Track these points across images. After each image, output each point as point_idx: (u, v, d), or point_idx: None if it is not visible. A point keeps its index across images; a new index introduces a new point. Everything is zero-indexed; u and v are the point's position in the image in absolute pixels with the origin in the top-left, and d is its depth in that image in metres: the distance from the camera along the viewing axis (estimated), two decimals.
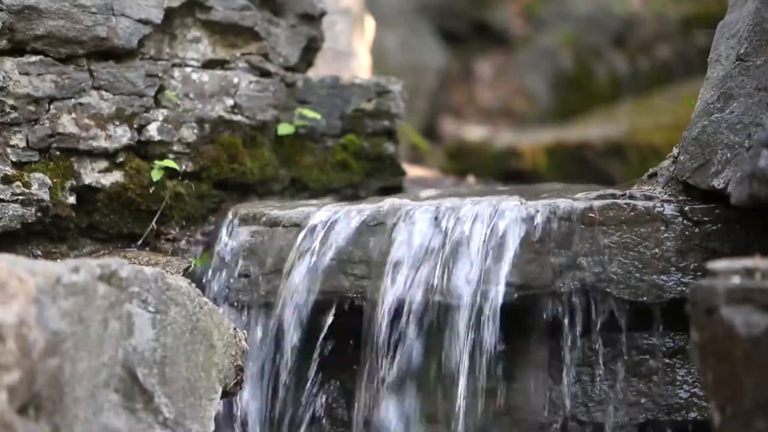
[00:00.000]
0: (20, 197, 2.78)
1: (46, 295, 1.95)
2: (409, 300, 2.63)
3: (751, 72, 2.63)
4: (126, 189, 2.93)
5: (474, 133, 6.80)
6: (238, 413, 2.73)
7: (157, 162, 2.96)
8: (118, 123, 2.92)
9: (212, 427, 2.28)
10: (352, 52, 4.29)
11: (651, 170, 2.86)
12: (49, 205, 2.82)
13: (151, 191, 2.95)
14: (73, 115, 2.87)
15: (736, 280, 1.92)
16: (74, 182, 2.88)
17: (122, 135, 2.92)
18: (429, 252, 2.64)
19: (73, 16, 2.85)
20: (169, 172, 2.98)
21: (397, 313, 2.64)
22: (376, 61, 4.76)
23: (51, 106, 2.85)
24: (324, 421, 2.74)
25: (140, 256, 2.88)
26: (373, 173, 3.23)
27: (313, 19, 3.25)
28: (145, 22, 2.94)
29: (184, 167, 3.00)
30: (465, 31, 7.62)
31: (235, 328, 2.39)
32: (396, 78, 3.32)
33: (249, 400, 2.72)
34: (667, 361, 2.63)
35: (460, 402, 2.62)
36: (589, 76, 7.25)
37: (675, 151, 2.78)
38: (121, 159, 2.93)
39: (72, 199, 2.88)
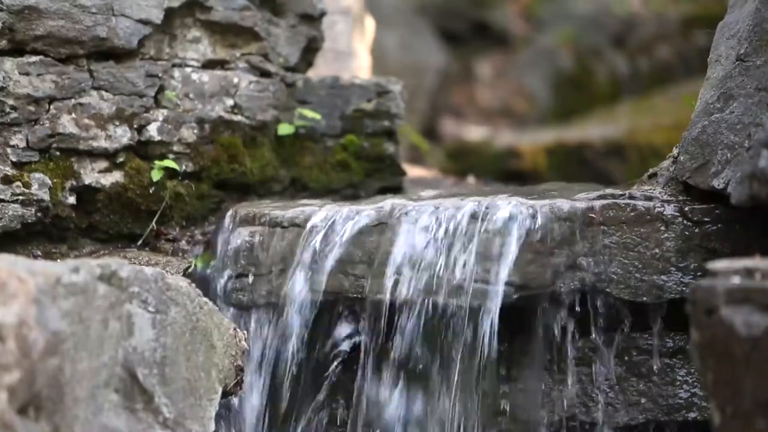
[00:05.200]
0: (20, 197, 2.78)
1: (46, 295, 1.95)
2: (410, 300, 2.63)
3: (751, 72, 2.63)
4: (126, 189, 2.93)
5: (474, 133, 6.80)
6: (239, 413, 2.73)
7: (157, 162, 2.96)
8: (118, 123, 2.92)
9: (212, 427, 2.29)
10: (352, 52, 4.29)
11: (651, 170, 2.86)
12: (49, 205, 2.82)
13: (151, 191, 2.95)
14: (73, 115, 2.87)
15: (736, 280, 1.92)
16: (74, 182, 2.88)
17: (122, 135, 2.92)
18: (429, 252, 2.64)
19: (73, 16, 2.85)
20: (169, 173, 2.98)
21: (397, 312, 2.64)
22: (376, 61, 4.76)
23: (51, 106, 2.85)
24: (325, 420, 2.74)
25: (140, 256, 2.88)
26: (373, 173, 3.23)
27: (313, 19, 3.25)
28: (145, 22, 2.94)
29: (184, 167, 3.00)
30: (465, 31, 7.62)
31: (235, 328, 2.39)
32: (396, 78, 3.32)
33: (249, 400, 2.72)
34: (667, 361, 2.63)
35: (461, 401, 2.62)
36: (589, 76, 7.26)
37: (675, 151, 2.78)
38: (121, 159, 2.93)
39: (72, 200, 2.88)
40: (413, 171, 3.90)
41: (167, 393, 2.19)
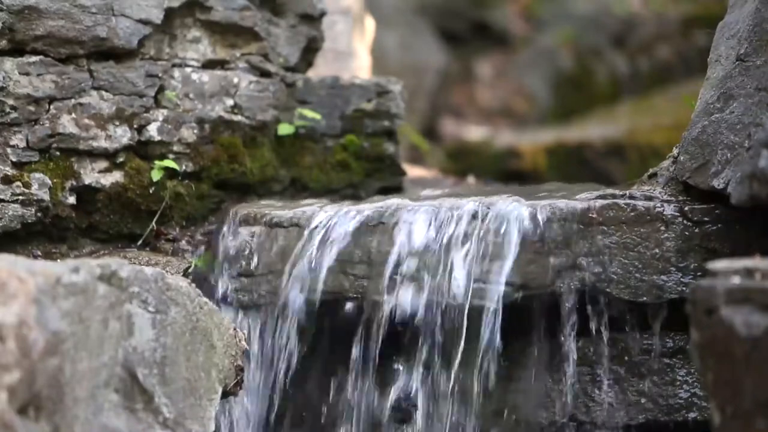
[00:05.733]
0: (20, 197, 2.79)
1: (46, 295, 1.95)
2: (410, 300, 2.63)
3: (751, 72, 2.63)
4: (126, 189, 2.93)
5: (474, 133, 6.80)
6: (238, 413, 2.73)
7: (157, 162, 2.96)
8: (118, 123, 2.92)
9: (212, 427, 2.29)
10: (352, 52, 4.29)
11: (651, 170, 2.86)
12: (49, 205, 2.82)
13: (151, 191, 2.95)
14: (73, 115, 2.87)
15: (736, 280, 1.92)
16: (74, 182, 2.88)
17: (122, 135, 2.92)
18: (429, 252, 2.64)
19: (73, 16, 2.85)
20: (169, 173, 2.98)
21: (397, 313, 2.64)
22: (376, 61, 4.76)
23: (51, 106, 2.85)
24: (324, 421, 2.74)
25: (140, 256, 2.88)
26: (373, 173, 3.23)
27: (313, 19, 3.25)
28: (145, 22, 2.94)
29: (184, 167, 3.00)
30: (465, 31, 7.62)
31: (235, 328, 2.39)
32: (396, 78, 3.32)
33: (249, 400, 2.72)
34: (667, 361, 2.63)
35: (461, 401, 2.62)
36: (589, 76, 7.26)
37: (675, 151, 2.78)
38: (121, 159, 2.93)
39: (72, 200, 2.88)
40: (413, 171, 3.90)
41: (167, 393, 2.19)
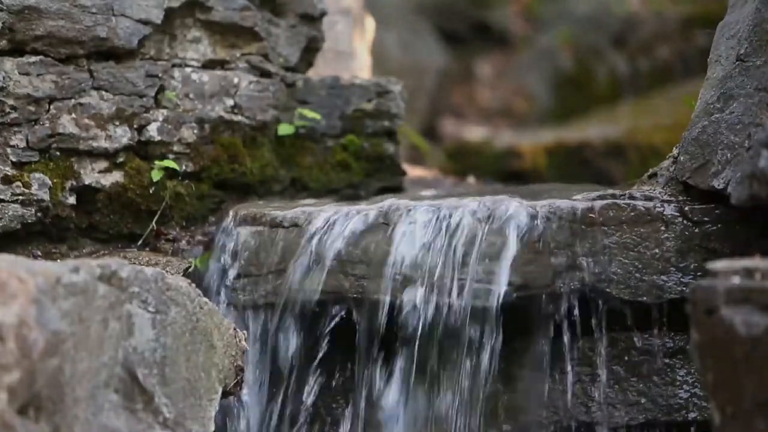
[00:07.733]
0: (20, 197, 2.79)
1: (46, 295, 1.95)
2: (409, 300, 2.63)
3: (751, 72, 2.63)
4: (126, 189, 2.93)
5: (474, 133, 6.80)
6: (238, 413, 2.73)
7: (157, 162, 2.96)
8: (118, 123, 2.92)
9: (212, 427, 2.29)
10: (353, 52, 4.29)
11: (651, 170, 2.86)
12: (49, 205, 2.83)
13: (151, 191, 2.95)
14: (73, 115, 2.87)
15: (736, 280, 1.92)
16: (74, 182, 2.88)
17: (122, 135, 2.93)
18: (429, 252, 2.64)
19: (73, 16, 2.85)
20: (169, 173, 2.98)
21: (396, 313, 2.64)
22: (376, 61, 4.76)
23: (51, 106, 2.85)
24: (324, 421, 2.74)
25: (140, 257, 2.88)
26: (373, 173, 3.23)
27: (313, 19, 3.25)
28: (145, 22, 2.94)
29: (184, 167, 3.00)
30: (465, 31, 7.62)
31: (235, 328, 2.40)
32: (396, 78, 3.33)
33: (249, 400, 2.72)
34: (667, 361, 2.64)
35: (461, 401, 2.62)
36: (589, 76, 7.25)
37: (675, 151, 2.78)
38: (121, 159, 2.93)
39: (72, 200, 2.88)
40: (413, 171, 3.90)
41: (167, 393, 2.19)
